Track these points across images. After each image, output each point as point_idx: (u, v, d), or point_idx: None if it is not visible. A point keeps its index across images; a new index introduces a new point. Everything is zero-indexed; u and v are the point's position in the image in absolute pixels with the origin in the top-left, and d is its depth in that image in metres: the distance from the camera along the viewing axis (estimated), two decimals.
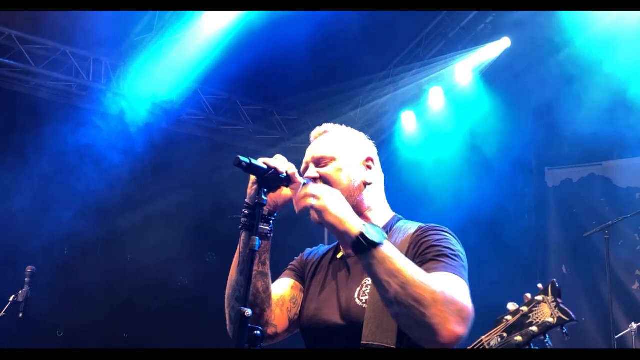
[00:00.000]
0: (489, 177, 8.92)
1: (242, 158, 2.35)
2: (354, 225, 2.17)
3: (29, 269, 5.57)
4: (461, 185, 9.09)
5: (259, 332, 2.09)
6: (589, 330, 8.68)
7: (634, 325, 6.41)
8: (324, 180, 2.53)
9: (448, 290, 2.13)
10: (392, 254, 2.13)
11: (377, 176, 2.68)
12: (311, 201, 2.23)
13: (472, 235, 6.27)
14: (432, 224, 2.51)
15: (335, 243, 2.79)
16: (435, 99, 9.51)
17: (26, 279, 5.52)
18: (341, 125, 2.79)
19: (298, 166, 2.49)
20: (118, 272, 8.76)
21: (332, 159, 2.58)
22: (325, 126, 2.76)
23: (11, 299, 5.45)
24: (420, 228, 2.50)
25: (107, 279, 8.62)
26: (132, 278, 8.66)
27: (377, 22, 8.40)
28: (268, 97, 9.83)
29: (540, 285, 2.05)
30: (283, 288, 2.72)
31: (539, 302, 2.03)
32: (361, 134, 2.79)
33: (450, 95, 9.48)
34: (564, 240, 9.32)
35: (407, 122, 9.82)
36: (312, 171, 2.57)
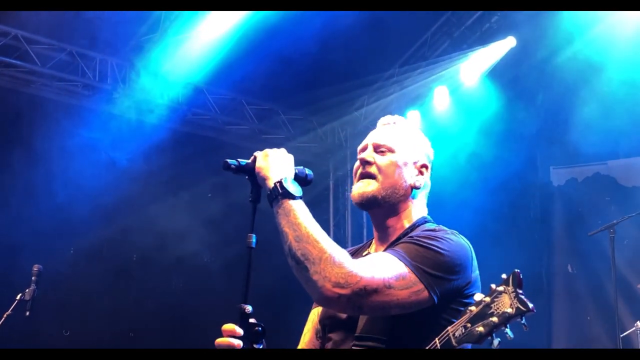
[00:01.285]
0: (493, 176, 8.90)
1: (230, 161, 2.34)
2: (276, 174, 2.33)
3: (35, 268, 5.58)
4: (465, 185, 9.07)
5: (260, 329, 2.11)
6: (594, 329, 8.67)
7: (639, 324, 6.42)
8: (377, 167, 2.56)
9: (358, 264, 2.18)
10: (300, 210, 2.24)
11: (425, 182, 2.71)
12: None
13: (475, 236, 6.26)
14: (441, 227, 2.51)
15: (368, 241, 2.76)
16: (441, 98, 9.51)
17: (33, 278, 5.52)
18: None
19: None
20: (124, 272, 8.79)
21: (391, 151, 2.60)
22: (397, 117, 2.78)
23: (18, 297, 5.45)
24: (427, 229, 2.50)
25: (113, 278, 8.65)
26: (137, 277, 8.68)
27: (382, 22, 8.41)
28: (273, 96, 9.83)
29: (504, 276, 2.04)
30: (305, 342, 2.69)
31: (500, 293, 2.01)
32: (427, 140, 2.82)
33: (455, 95, 9.48)
34: (569, 239, 9.30)
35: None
36: (369, 152, 2.61)
